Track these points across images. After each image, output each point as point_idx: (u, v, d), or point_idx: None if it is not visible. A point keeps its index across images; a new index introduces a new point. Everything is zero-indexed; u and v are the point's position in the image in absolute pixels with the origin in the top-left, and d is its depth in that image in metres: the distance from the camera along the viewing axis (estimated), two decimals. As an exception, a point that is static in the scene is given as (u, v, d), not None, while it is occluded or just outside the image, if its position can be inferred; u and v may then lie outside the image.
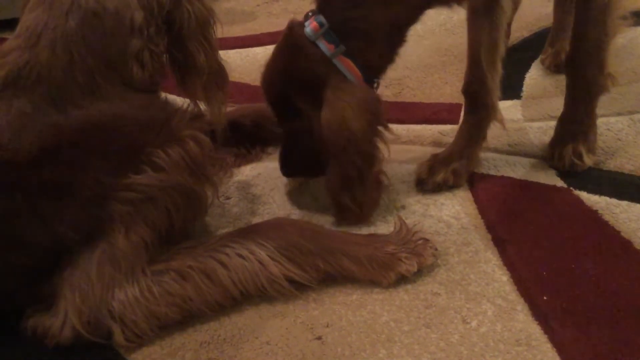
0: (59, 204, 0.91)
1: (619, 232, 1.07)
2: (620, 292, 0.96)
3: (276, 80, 1.12)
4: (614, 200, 1.14)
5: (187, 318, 0.96)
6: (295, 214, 1.19)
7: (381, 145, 1.12)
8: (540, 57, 1.66)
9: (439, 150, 1.29)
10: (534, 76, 1.60)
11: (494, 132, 1.29)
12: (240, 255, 0.96)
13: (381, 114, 1.10)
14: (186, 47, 1.02)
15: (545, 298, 0.96)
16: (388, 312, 0.96)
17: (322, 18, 1.06)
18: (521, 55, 1.66)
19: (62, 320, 0.91)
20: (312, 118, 1.08)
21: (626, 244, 1.04)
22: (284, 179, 1.28)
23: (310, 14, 1.09)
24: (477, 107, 1.24)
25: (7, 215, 0.90)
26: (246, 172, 1.34)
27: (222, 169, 1.14)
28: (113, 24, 0.95)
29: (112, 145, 0.94)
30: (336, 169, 1.09)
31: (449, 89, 1.59)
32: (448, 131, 1.39)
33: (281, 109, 1.15)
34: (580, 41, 1.16)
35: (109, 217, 0.94)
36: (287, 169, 1.22)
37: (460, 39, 1.65)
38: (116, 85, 0.96)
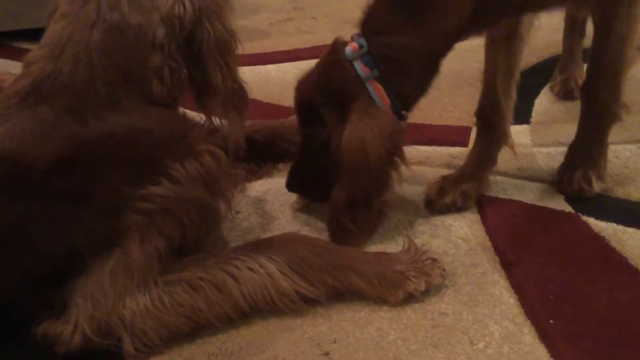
0: (75, 213, 0.93)
1: (626, 258, 1.08)
2: (626, 318, 0.96)
3: (308, 89, 1.14)
4: (621, 227, 1.15)
5: (196, 329, 0.96)
6: (305, 230, 1.20)
7: (394, 175, 1.12)
8: (550, 83, 1.68)
9: (448, 172, 1.30)
10: (543, 102, 1.62)
11: (503, 156, 1.31)
12: (250, 269, 0.97)
13: (401, 146, 1.11)
14: (204, 67, 1.03)
15: (552, 322, 0.96)
16: (395, 330, 0.96)
17: (362, 41, 1.08)
18: (531, 81, 1.67)
19: (74, 326, 0.92)
20: (333, 132, 1.10)
21: (633, 271, 1.05)
22: (294, 196, 1.29)
23: (355, 36, 1.11)
24: (490, 131, 1.26)
25: (24, 221, 0.91)
26: (257, 187, 1.35)
27: (235, 184, 1.15)
28: (135, 39, 0.97)
29: (130, 157, 0.95)
30: (345, 188, 1.10)
31: (458, 112, 1.61)
32: (458, 153, 1.41)
33: (306, 117, 1.16)
34: (598, 69, 1.18)
35: (124, 227, 0.95)
36: (293, 183, 1.23)
37: (470, 62, 1.67)
38: (136, 99, 0.98)
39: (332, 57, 1.12)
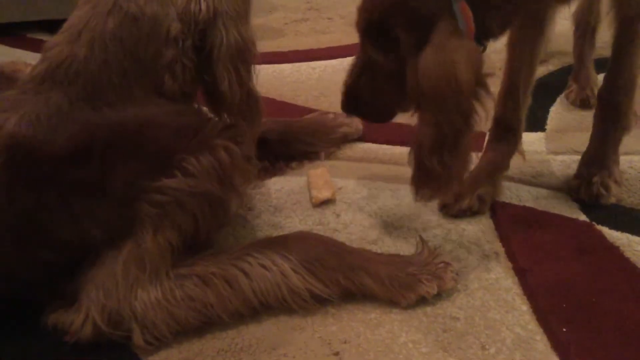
0: (89, 202, 0.93)
1: (639, 269, 1.07)
2: (639, 328, 0.95)
3: (379, 6, 1.00)
4: (635, 238, 1.14)
5: (206, 324, 0.96)
6: (318, 229, 1.20)
7: (480, 110, 0.99)
8: (565, 92, 1.68)
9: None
10: (559, 110, 1.61)
11: (518, 163, 1.30)
12: (263, 266, 0.97)
13: (485, 75, 0.98)
14: (213, 70, 1.02)
15: (564, 330, 0.95)
16: (406, 333, 0.96)
17: None
18: (546, 89, 1.67)
19: (84, 316, 0.92)
20: (409, 56, 0.97)
21: (647, 282, 1.04)
22: (306, 195, 1.29)
23: None
24: (507, 136, 1.25)
25: (38, 210, 0.91)
26: (269, 185, 1.35)
27: (248, 180, 1.15)
28: (150, 30, 0.97)
29: (145, 148, 0.95)
30: (429, 126, 0.97)
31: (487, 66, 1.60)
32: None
33: (373, 34, 1.03)
34: (618, 74, 1.17)
35: (138, 218, 0.95)
36: (351, 105, 1.14)
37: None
38: (148, 91, 0.97)
39: None
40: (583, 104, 1.60)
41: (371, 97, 1.09)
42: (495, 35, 1.03)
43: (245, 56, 1.03)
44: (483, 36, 1.01)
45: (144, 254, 0.94)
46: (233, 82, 1.02)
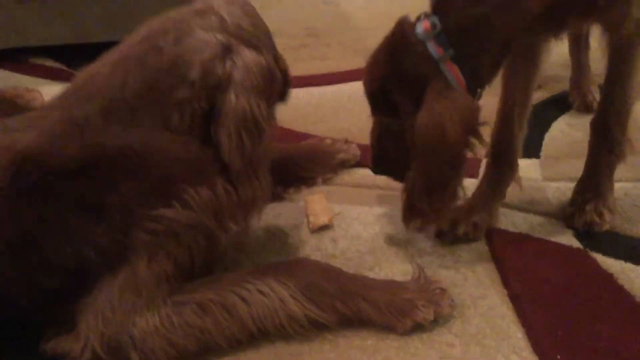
0: (87, 224, 0.94)
1: (633, 296, 1.08)
2: (633, 356, 0.96)
3: (378, 73, 1.10)
4: (629, 265, 1.15)
5: (204, 351, 0.97)
6: (316, 255, 1.21)
7: (470, 156, 1.09)
8: (569, 99, 1.74)
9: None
10: (554, 137, 1.63)
11: (513, 190, 1.31)
12: (261, 292, 0.98)
13: (477, 125, 1.07)
14: (217, 131, 1.03)
15: (558, 357, 0.96)
16: (403, 359, 0.96)
17: (436, 19, 1.03)
18: (541, 115, 1.69)
19: (84, 343, 0.92)
20: (407, 116, 1.07)
21: (641, 309, 1.05)
22: (304, 220, 1.30)
23: (423, 15, 1.07)
24: (502, 165, 1.27)
25: (38, 227, 0.93)
26: (268, 211, 1.36)
27: (245, 216, 1.11)
28: (170, 66, 1.00)
29: (147, 175, 0.96)
30: (421, 172, 1.08)
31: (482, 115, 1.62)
32: (467, 185, 1.41)
33: (377, 102, 1.13)
34: (610, 104, 1.19)
35: (132, 245, 0.96)
36: (378, 167, 1.22)
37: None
38: (156, 121, 1.00)
39: (399, 39, 1.07)
40: (588, 109, 1.66)
41: (394, 157, 1.16)
42: (486, 80, 1.09)
43: (250, 126, 1.02)
44: (475, 85, 1.08)
45: (139, 281, 0.94)
46: (233, 150, 1.02)
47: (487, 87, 1.12)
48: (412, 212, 1.12)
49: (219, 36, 1.03)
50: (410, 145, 1.07)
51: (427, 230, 1.26)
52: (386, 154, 1.18)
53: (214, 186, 1.01)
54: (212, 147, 1.03)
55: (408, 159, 1.11)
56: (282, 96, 1.18)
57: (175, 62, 1.00)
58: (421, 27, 1.04)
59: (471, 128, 1.04)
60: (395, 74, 1.08)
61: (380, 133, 1.17)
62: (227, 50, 1.02)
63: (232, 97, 1.01)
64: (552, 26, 1.11)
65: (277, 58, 1.13)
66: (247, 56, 1.02)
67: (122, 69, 1.00)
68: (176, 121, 1.01)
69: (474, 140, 1.06)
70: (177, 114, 1.01)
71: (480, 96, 1.10)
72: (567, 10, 1.05)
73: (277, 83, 1.09)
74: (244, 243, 1.21)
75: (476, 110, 1.06)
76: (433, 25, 1.03)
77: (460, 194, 1.13)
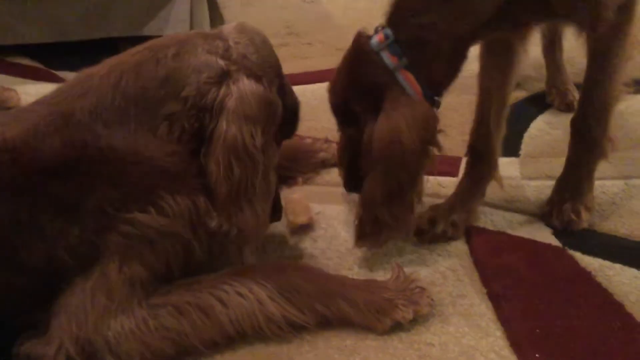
0: (61, 224, 0.92)
1: (611, 294, 1.09)
2: (611, 353, 0.97)
3: (339, 86, 1.13)
4: (607, 263, 1.16)
5: (181, 353, 0.96)
6: (294, 255, 1.20)
7: (428, 164, 1.10)
8: (548, 99, 1.75)
9: (437, 201, 1.31)
10: (532, 135, 1.63)
11: (492, 188, 1.32)
12: (239, 294, 0.97)
13: (435, 133, 1.09)
14: (207, 156, 1.01)
15: (537, 355, 0.97)
16: (382, 359, 0.96)
17: (388, 31, 1.06)
18: (520, 115, 1.70)
19: (57, 347, 0.91)
20: (366, 125, 1.08)
21: (618, 306, 1.06)
22: (283, 220, 1.29)
23: (379, 27, 1.09)
24: (480, 164, 1.28)
25: (13, 225, 0.91)
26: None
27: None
28: (165, 78, 1.00)
29: (126, 177, 0.95)
30: (379, 181, 1.08)
31: (449, 142, 1.61)
32: (447, 183, 1.42)
33: (342, 116, 1.16)
34: (590, 102, 1.20)
35: (105, 247, 0.94)
36: (351, 184, 1.22)
37: (462, 94, 1.69)
38: (143, 129, 0.98)
39: (356, 51, 1.10)
40: (568, 108, 1.68)
41: (361, 172, 1.14)
42: (442, 88, 1.12)
43: (241, 155, 1.00)
44: (432, 93, 1.09)
45: (111, 284, 0.93)
46: (220, 178, 1.00)
47: (444, 95, 1.14)
48: (373, 224, 1.11)
49: (220, 61, 1.02)
50: (367, 153, 1.08)
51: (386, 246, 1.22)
52: (356, 170, 1.18)
53: (195, 198, 0.99)
54: (198, 162, 1.02)
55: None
56: (289, 130, 1.16)
57: (170, 76, 1.00)
58: (375, 39, 1.07)
59: (428, 136, 1.07)
60: (354, 85, 1.11)
61: (347, 148, 1.18)
62: (224, 76, 1.01)
63: (224, 124, 0.99)
64: (506, 27, 1.13)
65: (284, 91, 1.11)
66: (245, 84, 1.01)
67: (117, 73, 1.00)
68: (164, 133, 1.00)
69: (431, 148, 1.09)
70: (166, 126, 1.00)
71: (438, 104, 1.13)
72: (518, 12, 1.07)
73: (277, 115, 1.06)
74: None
75: (433, 118, 1.08)
76: (386, 36, 1.06)
77: (419, 203, 1.15)
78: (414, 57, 1.06)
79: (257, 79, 1.03)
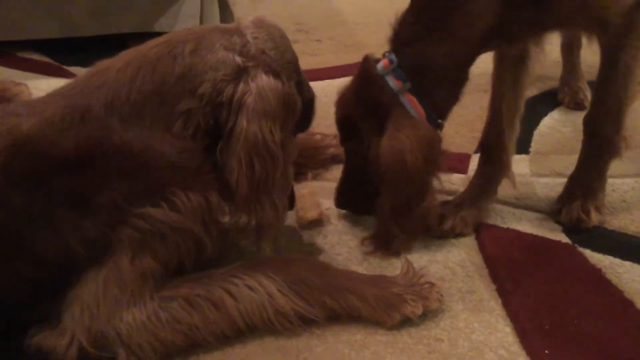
0: (75, 217, 0.93)
1: (622, 291, 1.08)
2: (620, 351, 0.97)
3: (347, 105, 1.18)
4: (617, 260, 1.16)
5: (191, 346, 0.96)
6: (304, 250, 1.21)
7: (434, 182, 1.15)
8: (559, 96, 1.75)
9: (447, 198, 1.31)
10: (543, 133, 1.63)
11: (501, 185, 1.32)
12: (249, 287, 0.97)
13: (438, 154, 1.13)
14: (227, 158, 1.01)
15: (547, 352, 0.96)
16: (391, 354, 0.96)
17: (392, 56, 1.11)
18: (531, 112, 1.69)
19: (70, 339, 0.91)
20: (371, 144, 1.13)
21: (628, 304, 1.06)
22: (293, 215, 1.30)
23: (386, 52, 1.14)
24: (492, 162, 1.28)
25: (25, 215, 0.92)
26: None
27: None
28: (182, 74, 1.00)
29: (139, 174, 0.96)
30: (386, 196, 1.12)
31: (459, 139, 1.62)
32: (457, 180, 1.42)
33: (347, 132, 1.20)
34: (602, 102, 1.20)
35: (118, 241, 0.95)
36: (342, 200, 1.26)
37: (474, 91, 1.69)
38: (158, 125, 0.99)
39: (364, 73, 1.15)
40: (578, 106, 1.68)
41: (358, 188, 1.21)
42: (445, 111, 1.16)
43: (261, 152, 1.00)
44: (435, 116, 1.14)
45: (123, 276, 0.94)
46: (242, 176, 1.00)
47: (447, 116, 1.18)
48: (386, 235, 1.15)
49: (237, 58, 1.01)
50: (370, 165, 1.13)
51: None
52: (348, 187, 1.22)
53: (207, 195, 1.00)
54: (212, 159, 1.02)
55: (373, 190, 1.15)
56: (304, 124, 1.16)
57: (187, 72, 1.00)
58: (381, 64, 1.13)
59: (431, 155, 1.11)
60: (361, 104, 1.15)
61: (348, 163, 1.22)
62: (241, 73, 1.01)
63: (244, 122, 0.99)
64: (504, 45, 1.17)
65: (302, 86, 1.11)
66: (264, 81, 1.01)
67: (134, 67, 1.00)
68: (179, 129, 1.00)
69: (434, 169, 1.13)
70: (181, 122, 1.00)
71: (442, 127, 1.17)
72: (514, 30, 1.11)
73: (296, 110, 1.07)
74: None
75: (436, 139, 1.13)
76: (390, 61, 1.12)
77: (432, 220, 1.18)
78: (417, 82, 1.11)
79: (276, 74, 1.03)
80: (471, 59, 1.14)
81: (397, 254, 1.16)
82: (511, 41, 1.15)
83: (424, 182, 1.12)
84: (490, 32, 1.08)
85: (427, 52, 1.10)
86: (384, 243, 1.16)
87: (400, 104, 1.11)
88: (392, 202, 1.12)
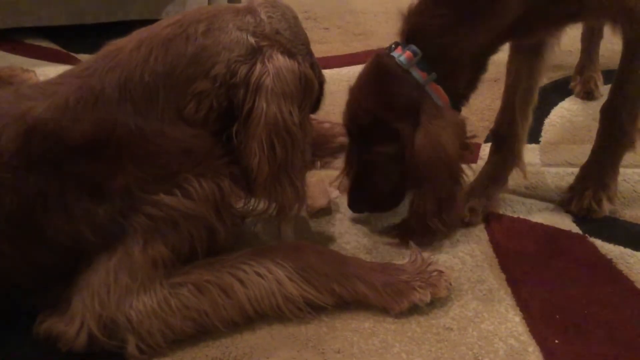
0: (87, 203, 0.93)
1: (633, 282, 1.08)
2: (630, 341, 0.96)
3: (367, 106, 1.14)
4: (628, 250, 1.15)
5: (201, 333, 0.96)
6: (312, 238, 1.20)
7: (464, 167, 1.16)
8: (571, 84, 1.75)
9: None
10: (553, 122, 1.62)
11: (512, 175, 1.31)
12: (258, 274, 0.97)
13: (467, 138, 1.15)
14: (247, 142, 0.99)
15: (556, 341, 0.96)
16: (400, 342, 0.96)
17: (415, 47, 1.10)
18: (541, 101, 1.67)
19: (79, 325, 0.91)
20: (408, 140, 1.11)
21: (639, 294, 1.05)
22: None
23: (394, 45, 1.13)
24: (503, 150, 1.27)
25: (37, 200, 0.91)
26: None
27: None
28: (195, 55, 0.98)
29: (152, 160, 0.95)
30: (429, 192, 1.12)
31: (469, 128, 1.61)
32: (466, 169, 1.41)
33: (371, 135, 1.16)
34: (622, 92, 1.18)
35: (130, 227, 0.95)
36: (358, 203, 1.23)
37: (485, 79, 1.68)
38: (170, 108, 0.97)
39: (381, 68, 1.13)
40: (588, 96, 1.68)
41: (378, 189, 1.20)
42: (466, 96, 1.18)
43: (282, 134, 0.99)
44: (457, 102, 1.16)
45: (134, 264, 0.93)
46: (263, 158, 0.98)
47: (466, 103, 1.19)
48: (427, 233, 1.15)
49: (251, 38, 1.00)
50: (408, 166, 1.12)
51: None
52: (370, 188, 1.20)
53: (220, 182, 0.99)
54: (222, 143, 1.01)
55: (396, 189, 1.16)
56: (314, 106, 1.14)
57: (200, 54, 0.98)
58: (404, 57, 1.11)
59: (463, 142, 1.13)
60: (390, 104, 1.13)
61: (363, 170, 1.19)
62: (256, 53, 0.99)
63: (263, 103, 0.97)
64: (524, 37, 1.18)
65: (313, 67, 1.09)
66: (280, 61, 0.99)
67: (147, 48, 0.98)
68: (191, 111, 0.98)
69: (466, 153, 1.15)
70: (193, 104, 0.98)
71: (460, 112, 1.18)
72: (534, 23, 1.11)
73: (313, 90, 1.06)
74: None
75: (464, 124, 1.15)
76: (415, 54, 1.10)
77: (462, 202, 1.20)
78: (442, 71, 1.11)
79: (292, 55, 1.02)
80: (496, 48, 1.14)
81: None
82: (536, 30, 1.15)
83: (460, 169, 1.14)
84: (518, 21, 1.07)
85: (459, 43, 1.09)
86: (424, 239, 1.15)
87: (427, 95, 1.11)
88: (436, 196, 1.12)
